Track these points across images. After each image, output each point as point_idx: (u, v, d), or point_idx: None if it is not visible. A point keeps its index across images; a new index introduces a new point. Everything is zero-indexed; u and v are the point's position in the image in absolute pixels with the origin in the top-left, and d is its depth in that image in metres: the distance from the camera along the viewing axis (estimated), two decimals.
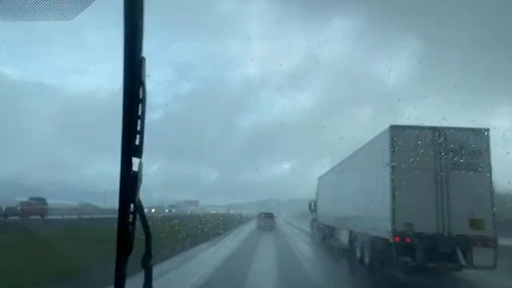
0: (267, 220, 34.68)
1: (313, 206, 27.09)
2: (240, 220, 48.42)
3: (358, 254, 13.45)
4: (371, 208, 11.63)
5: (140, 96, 1.36)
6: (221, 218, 33.47)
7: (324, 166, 22.74)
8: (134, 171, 1.36)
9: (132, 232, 1.37)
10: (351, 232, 14.81)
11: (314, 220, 27.55)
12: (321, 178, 24.16)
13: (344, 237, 16.55)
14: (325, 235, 22.09)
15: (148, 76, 1.39)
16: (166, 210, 58.15)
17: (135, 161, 1.37)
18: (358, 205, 13.45)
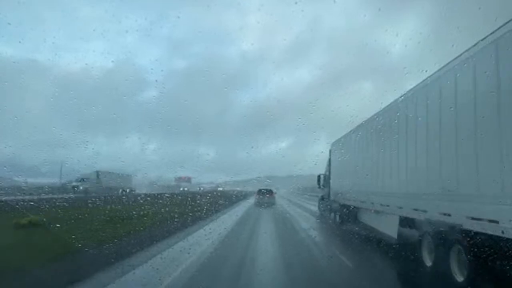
0: (266, 196, 33.38)
1: (323, 181, 21.71)
2: (218, 208, 24.45)
3: (426, 257, 8.08)
4: (474, 178, 6.08)
5: None
6: (175, 208, 17.72)
7: (321, 141, 19.06)
8: None
9: None
10: (404, 219, 9.37)
11: (323, 198, 22.14)
12: (340, 141, 18.13)
13: (384, 226, 11.14)
14: (343, 219, 16.75)
15: None
16: (72, 185, 37.40)
17: None
18: (431, 174, 7.86)
